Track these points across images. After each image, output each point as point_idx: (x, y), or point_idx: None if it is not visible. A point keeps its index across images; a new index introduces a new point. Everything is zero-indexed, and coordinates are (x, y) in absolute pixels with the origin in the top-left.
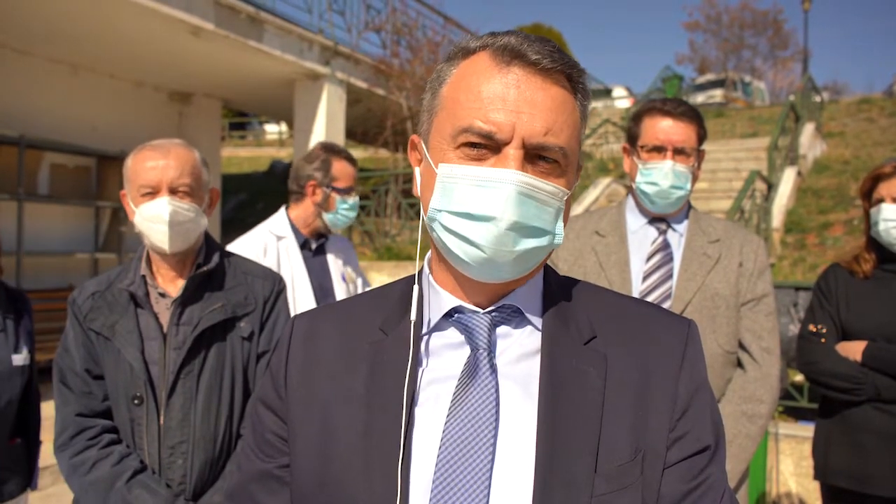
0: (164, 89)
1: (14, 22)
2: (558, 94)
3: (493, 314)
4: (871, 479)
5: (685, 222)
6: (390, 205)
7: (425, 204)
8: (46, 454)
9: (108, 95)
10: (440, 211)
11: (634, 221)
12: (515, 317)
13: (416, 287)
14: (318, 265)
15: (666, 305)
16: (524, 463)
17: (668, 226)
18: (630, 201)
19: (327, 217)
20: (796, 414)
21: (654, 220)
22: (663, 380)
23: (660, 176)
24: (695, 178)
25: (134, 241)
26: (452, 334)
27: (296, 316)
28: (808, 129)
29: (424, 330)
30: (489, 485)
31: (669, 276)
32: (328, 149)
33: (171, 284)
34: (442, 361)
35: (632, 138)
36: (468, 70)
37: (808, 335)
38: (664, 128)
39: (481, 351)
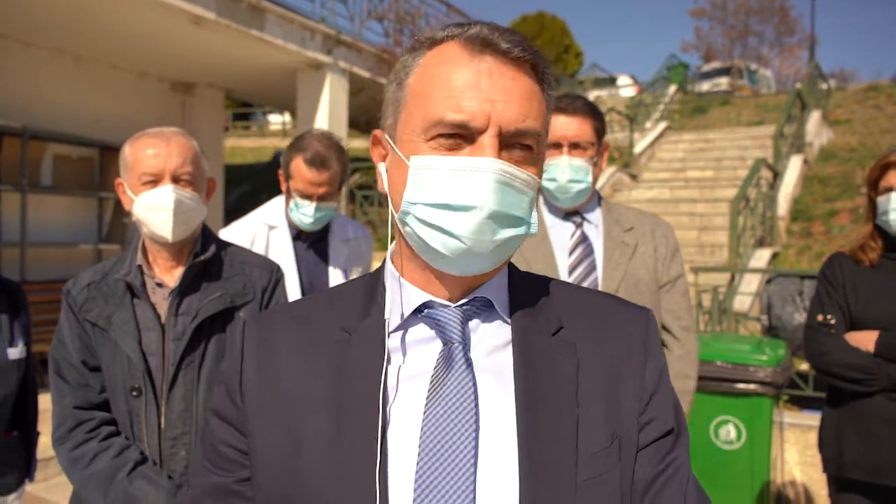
0: (166, 80)
1: (16, 13)
2: (528, 83)
3: (465, 307)
4: (885, 470)
5: (598, 214)
6: None
7: (396, 199)
8: (47, 446)
9: (111, 86)
10: (415, 204)
11: (550, 217)
12: (485, 310)
13: (388, 283)
14: (312, 259)
15: None
16: (507, 456)
17: (583, 219)
18: (541, 198)
19: (290, 213)
20: (801, 403)
21: (569, 214)
22: (631, 366)
23: (558, 171)
24: (598, 171)
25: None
26: (422, 330)
27: (247, 321)
28: (815, 117)
29: (392, 327)
30: (474, 480)
31: (594, 268)
32: (296, 146)
33: (169, 274)
34: (412, 358)
35: None
36: (437, 59)
37: (816, 325)
38: (559, 124)
39: (456, 345)
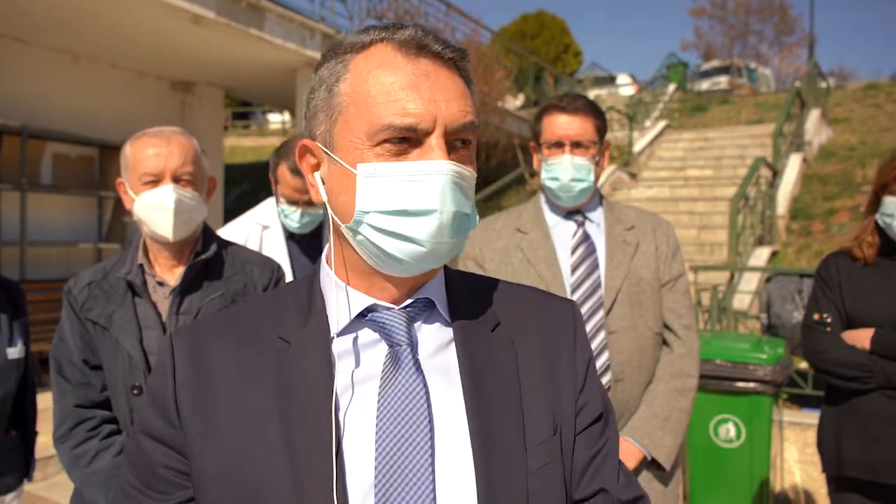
0: (166, 78)
1: (15, 11)
2: (460, 82)
3: (408, 309)
4: (884, 468)
5: (600, 213)
6: None
7: (341, 209)
8: (46, 445)
9: (111, 85)
10: (368, 213)
11: (552, 216)
12: (427, 310)
13: (327, 288)
14: (307, 260)
15: (597, 295)
16: (462, 454)
17: (585, 218)
18: (543, 197)
19: (279, 216)
20: (800, 401)
21: (570, 213)
22: (564, 357)
23: (560, 170)
24: (600, 170)
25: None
26: (366, 334)
27: (173, 335)
28: (814, 116)
29: (335, 332)
30: (433, 479)
31: (596, 267)
32: (282, 152)
33: (169, 273)
34: (359, 362)
35: (536, 136)
36: (371, 64)
37: (813, 324)
38: (561, 123)
39: (403, 347)
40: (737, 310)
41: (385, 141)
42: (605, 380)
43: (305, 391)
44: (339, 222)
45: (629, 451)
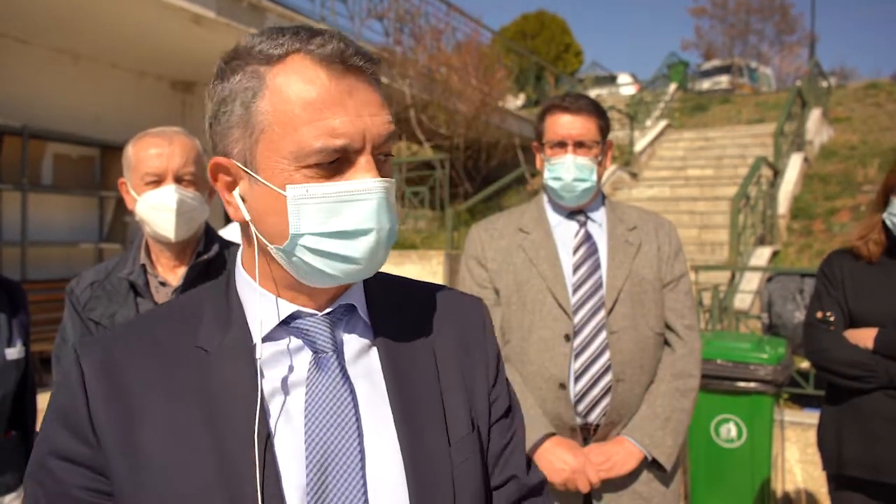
0: (166, 78)
1: (15, 11)
2: (378, 92)
3: (331, 315)
4: (885, 467)
5: (602, 213)
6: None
7: (269, 230)
8: None
9: (111, 85)
10: (302, 235)
11: (554, 216)
12: (348, 314)
13: (246, 296)
14: None
15: (598, 294)
16: (391, 452)
17: (587, 217)
18: (545, 197)
19: None
20: (801, 401)
21: (573, 213)
22: (477, 353)
23: (563, 170)
24: (602, 170)
25: (138, 230)
26: (289, 341)
27: (79, 348)
28: (815, 115)
29: (258, 340)
30: (364, 479)
31: (598, 266)
32: None
33: (171, 273)
34: (284, 370)
35: (538, 136)
36: (291, 79)
37: (815, 322)
38: (563, 123)
39: (329, 353)
40: (738, 309)
41: (315, 163)
42: (606, 380)
43: (231, 401)
44: (267, 243)
45: (630, 452)
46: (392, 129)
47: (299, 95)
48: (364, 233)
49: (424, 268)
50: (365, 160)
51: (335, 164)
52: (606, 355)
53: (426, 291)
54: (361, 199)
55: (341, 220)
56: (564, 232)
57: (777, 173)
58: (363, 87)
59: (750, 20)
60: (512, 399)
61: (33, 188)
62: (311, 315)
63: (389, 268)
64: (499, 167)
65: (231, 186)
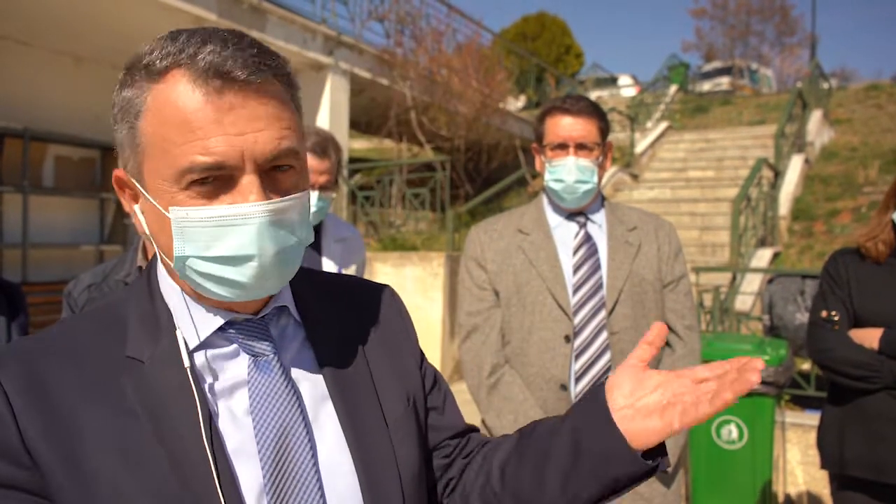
0: None
1: (16, 13)
2: (273, 98)
3: (266, 317)
4: (888, 468)
5: (602, 214)
6: (395, 195)
7: (162, 247)
8: None
9: (112, 87)
10: (188, 257)
11: (553, 218)
12: (280, 313)
13: (174, 304)
14: (307, 259)
15: (598, 295)
16: (337, 441)
17: (587, 219)
18: (545, 199)
19: None
20: (803, 403)
21: (573, 214)
22: (401, 334)
23: (564, 172)
24: (602, 171)
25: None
26: (226, 345)
27: None
28: (816, 116)
29: (193, 346)
30: (318, 475)
31: (598, 267)
32: None
33: None
34: (223, 375)
35: (539, 138)
36: (167, 99)
37: (819, 322)
38: (564, 125)
39: (269, 355)
40: (739, 311)
41: (193, 183)
42: None
43: (173, 410)
44: (165, 257)
45: None
46: (286, 145)
47: (175, 116)
48: (247, 259)
49: (425, 269)
50: (248, 180)
51: (215, 183)
52: (607, 356)
53: (345, 285)
54: (239, 223)
55: (224, 245)
56: (564, 233)
57: (778, 175)
58: (250, 101)
59: (750, 21)
60: (434, 369)
61: (34, 190)
62: (248, 319)
63: (390, 270)
64: (499, 169)
65: (135, 199)
